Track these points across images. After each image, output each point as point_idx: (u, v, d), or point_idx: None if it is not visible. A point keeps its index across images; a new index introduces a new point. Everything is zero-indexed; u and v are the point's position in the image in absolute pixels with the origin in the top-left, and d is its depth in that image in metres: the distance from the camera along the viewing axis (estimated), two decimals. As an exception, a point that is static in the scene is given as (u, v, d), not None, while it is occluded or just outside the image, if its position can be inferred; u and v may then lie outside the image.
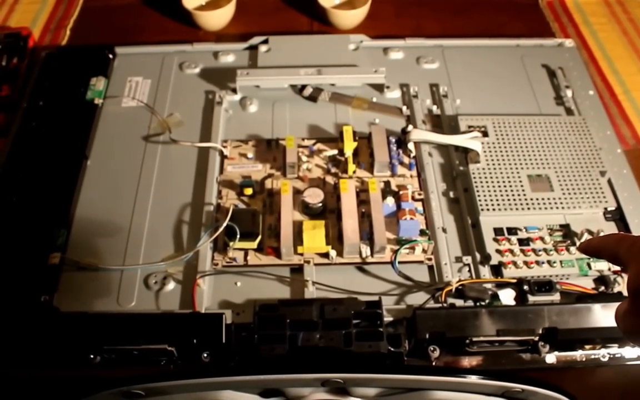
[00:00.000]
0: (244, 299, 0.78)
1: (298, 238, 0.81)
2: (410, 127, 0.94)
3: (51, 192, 0.88)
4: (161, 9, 1.27)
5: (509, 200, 0.86)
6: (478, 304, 0.77)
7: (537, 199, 0.86)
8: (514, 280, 0.78)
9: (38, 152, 0.93)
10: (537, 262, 0.80)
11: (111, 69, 1.08)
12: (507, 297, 0.77)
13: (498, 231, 0.83)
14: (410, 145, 0.93)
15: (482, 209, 0.85)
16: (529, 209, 0.85)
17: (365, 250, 0.81)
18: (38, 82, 1.04)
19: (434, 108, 1.02)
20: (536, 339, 0.72)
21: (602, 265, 0.80)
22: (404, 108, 1.01)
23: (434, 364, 0.72)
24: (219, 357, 0.71)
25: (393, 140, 0.94)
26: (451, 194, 0.89)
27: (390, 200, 0.86)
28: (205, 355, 0.71)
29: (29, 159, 0.92)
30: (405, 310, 0.76)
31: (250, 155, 0.93)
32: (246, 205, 0.87)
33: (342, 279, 0.80)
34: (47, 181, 0.89)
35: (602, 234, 0.82)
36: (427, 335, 0.71)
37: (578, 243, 0.82)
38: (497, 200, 0.86)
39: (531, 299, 0.76)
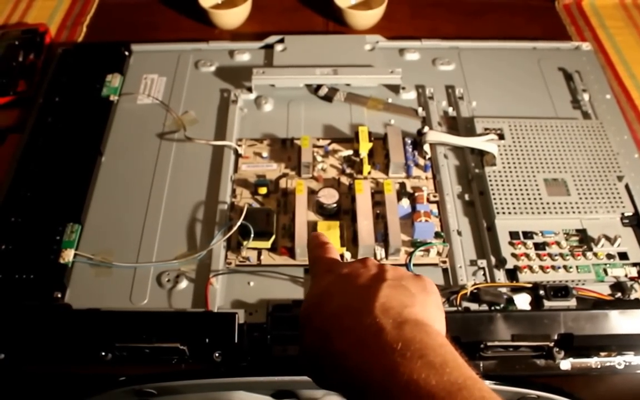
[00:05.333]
0: (257, 299, 0.78)
1: (312, 238, 0.81)
2: (426, 129, 0.94)
3: (65, 188, 0.88)
4: (177, 7, 1.27)
5: (525, 204, 0.85)
6: (493, 308, 0.76)
7: (553, 203, 0.85)
8: (530, 285, 0.77)
9: (53, 147, 0.93)
10: (553, 267, 0.79)
11: (127, 66, 1.08)
12: (523, 301, 0.76)
13: (514, 235, 0.83)
14: (426, 147, 0.93)
15: (497, 213, 0.84)
16: (545, 213, 0.84)
17: (380, 252, 0.80)
18: (54, 78, 1.04)
19: (450, 110, 1.01)
20: (551, 344, 0.71)
21: (619, 272, 0.80)
22: (420, 109, 1.01)
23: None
24: (231, 357, 0.71)
25: (408, 141, 0.93)
26: (466, 197, 0.88)
27: (405, 202, 0.85)
28: (217, 354, 0.71)
29: (44, 155, 0.92)
30: (419, 313, 0.75)
31: (265, 154, 0.93)
32: (260, 205, 0.86)
33: (356, 280, 0.79)
34: (62, 177, 0.89)
35: (619, 240, 0.81)
36: (442, 339, 0.70)
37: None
38: (513, 203, 0.85)
39: (547, 304, 0.75)
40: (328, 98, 1.03)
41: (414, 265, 0.80)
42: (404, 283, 0.48)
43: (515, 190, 0.87)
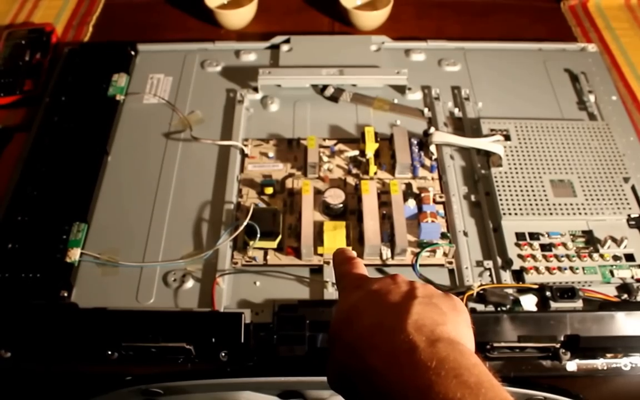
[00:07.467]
0: (263, 299, 0.78)
1: (318, 238, 0.81)
2: (432, 129, 0.94)
3: (72, 187, 0.88)
4: (183, 7, 1.28)
5: (531, 205, 0.85)
6: (499, 309, 0.76)
7: (559, 204, 0.85)
8: (536, 286, 0.77)
9: (60, 147, 0.93)
10: (560, 268, 0.79)
11: (133, 65, 1.08)
12: (529, 302, 0.76)
13: (520, 236, 0.82)
14: (432, 148, 0.93)
15: (504, 213, 0.84)
16: (551, 214, 0.84)
17: (386, 252, 0.80)
18: (60, 77, 1.04)
19: (456, 110, 1.01)
20: (557, 345, 0.71)
21: (625, 273, 0.79)
22: (426, 110, 1.01)
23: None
24: (237, 357, 0.71)
25: (415, 142, 0.93)
26: (473, 198, 0.88)
27: (411, 203, 0.85)
28: (223, 354, 0.71)
29: (51, 154, 0.92)
30: (425, 313, 0.75)
31: (271, 154, 0.93)
32: (266, 205, 0.87)
33: (362, 280, 0.79)
34: (68, 176, 0.89)
35: (625, 242, 0.81)
36: (447, 340, 0.70)
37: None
38: (519, 204, 0.85)
39: (553, 305, 0.75)
40: (334, 98, 1.03)
41: (420, 265, 0.80)
42: (434, 301, 0.47)
43: (521, 191, 0.86)
